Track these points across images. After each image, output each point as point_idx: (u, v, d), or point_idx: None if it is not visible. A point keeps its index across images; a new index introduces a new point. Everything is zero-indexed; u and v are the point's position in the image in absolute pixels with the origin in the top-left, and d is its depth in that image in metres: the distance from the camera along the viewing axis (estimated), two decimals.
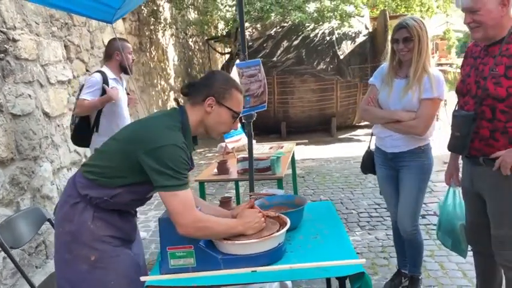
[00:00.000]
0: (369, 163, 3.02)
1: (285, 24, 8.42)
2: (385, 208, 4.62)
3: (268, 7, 7.56)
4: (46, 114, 3.90)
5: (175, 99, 1.74)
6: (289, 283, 3.02)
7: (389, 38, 8.22)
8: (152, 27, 8.08)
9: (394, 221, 2.95)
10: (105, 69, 3.66)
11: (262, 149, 4.06)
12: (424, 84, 2.53)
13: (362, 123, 9.49)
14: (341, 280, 1.75)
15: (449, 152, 2.42)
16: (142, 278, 1.76)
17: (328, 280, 2.54)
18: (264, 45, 8.29)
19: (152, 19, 8.04)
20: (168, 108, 1.89)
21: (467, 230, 2.41)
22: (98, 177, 1.79)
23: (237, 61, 3.00)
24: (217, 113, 1.84)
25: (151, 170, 1.67)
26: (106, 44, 3.86)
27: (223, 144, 4.11)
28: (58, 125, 4.12)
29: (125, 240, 1.91)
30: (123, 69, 3.69)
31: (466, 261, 3.17)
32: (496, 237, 2.18)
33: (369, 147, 3.10)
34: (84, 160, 4.57)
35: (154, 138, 1.69)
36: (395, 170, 2.79)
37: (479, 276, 2.47)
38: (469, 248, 2.53)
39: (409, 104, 2.59)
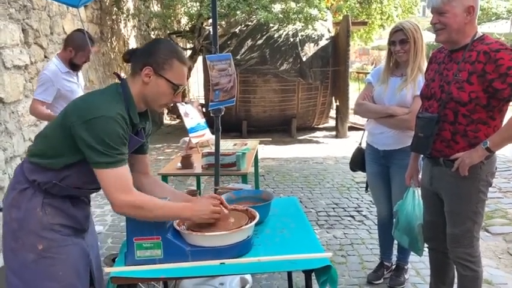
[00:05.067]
0: (359, 160, 3.10)
1: (250, 23, 8.42)
2: (342, 208, 4.73)
3: (234, 4, 7.53)
4: (0, 99, 3.71)
5: (115, 73, 1.64)
6: (249, 279, 3.03)
7: (350, 42, 8.46)
8: (114, 17, 7.86)
9: (382, 215, 3.07)
10: (56, 60, 3.40)
11: (226, 145, 4.04)
12: (419, 82, 2.68)
13: (321, 126, 9.66)
14: (307, 274, 1.78)
15: None
16: (106, 269, 1.70)
17: (289, 276, 2.57)
18: (228, 42, 8.24)
19: (115, 9, 7.82)
20: None
21: (425, 227, 2.51)
22: (41, 160, 1.70)
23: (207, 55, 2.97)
24: (156, 84, 1.71)
25: (83, 144, 1.58)
26: (67, 31, 3.68)
27: (186, 138, 4.06)
28: (13, 112, 3.92)
29: (77, 230, 1.82)
30: (71, 65, 3.43)
31: (419, 260, 3.30)
32: (451, 235, 2.29)
33: (360, 143, 3.19)
34: None
35: (87, 110, 1.60)
36: (386, 167, 2.91)
37: (433, 272, 2.58)
38: (425, 246, 2.63)
39: (403, 100, 2.72)
